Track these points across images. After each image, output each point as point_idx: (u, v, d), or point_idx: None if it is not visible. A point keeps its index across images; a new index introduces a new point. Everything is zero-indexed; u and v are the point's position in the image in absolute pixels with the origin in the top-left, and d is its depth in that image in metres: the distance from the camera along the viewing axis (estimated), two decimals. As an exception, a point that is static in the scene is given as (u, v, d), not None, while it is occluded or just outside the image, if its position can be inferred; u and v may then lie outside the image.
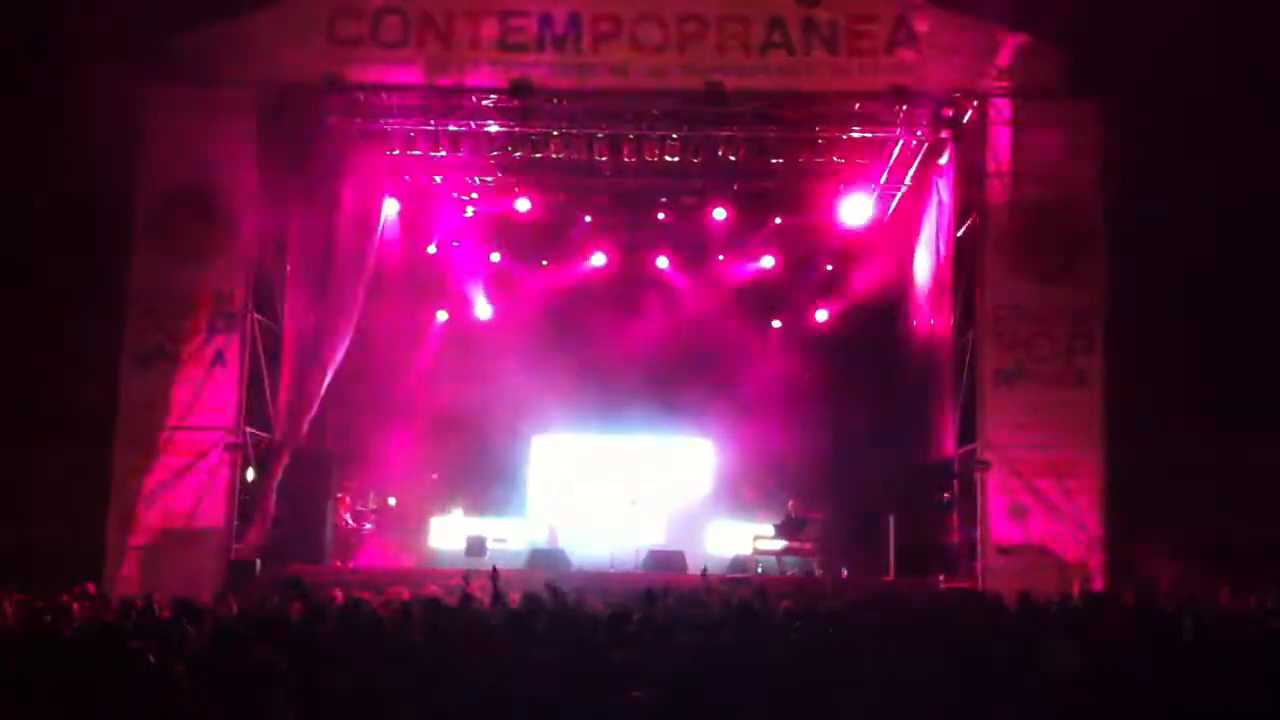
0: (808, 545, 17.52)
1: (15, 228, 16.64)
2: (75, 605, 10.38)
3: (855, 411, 20.77)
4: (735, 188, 19.45)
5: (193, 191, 15.81)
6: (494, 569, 10.92)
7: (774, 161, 17.99)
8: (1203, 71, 15.82)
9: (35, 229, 16.74)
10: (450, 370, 20.99)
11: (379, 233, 18.53)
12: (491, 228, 21.11)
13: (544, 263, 21.79)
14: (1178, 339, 16.63)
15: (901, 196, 19.48)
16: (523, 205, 19.69)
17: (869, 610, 10.34)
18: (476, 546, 17.71)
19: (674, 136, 17.44)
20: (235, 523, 15.56)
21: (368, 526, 18.91)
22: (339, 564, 17.41)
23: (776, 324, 21.99)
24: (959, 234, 16.82)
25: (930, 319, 18.46)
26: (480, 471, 20.50)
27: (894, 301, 20.76)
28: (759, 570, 17.14)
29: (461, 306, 21.92)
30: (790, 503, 18.06)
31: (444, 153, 17.89)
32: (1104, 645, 8.20)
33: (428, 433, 20.51)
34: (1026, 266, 15.73)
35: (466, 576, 11.42)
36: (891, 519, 17.00)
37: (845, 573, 17.19)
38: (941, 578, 15.76)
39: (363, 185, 18.38)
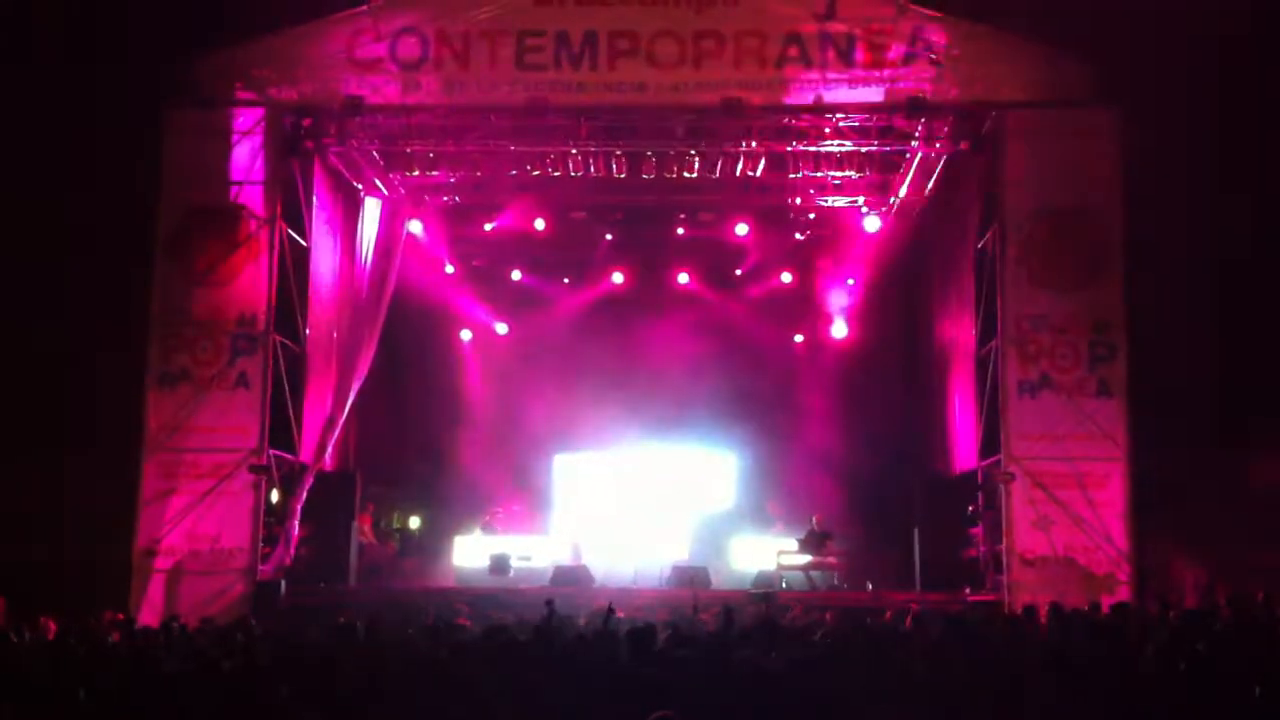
0: (832, 559, 17.45)
1: (41, 249, 16.75)
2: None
3: (879, 425, 20.77)
4: (754, 203, 19.41)
5: (213, 213, 15.92)
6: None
7: (792, 176, 17.95)
8: (1225, 79, 15.73)
9: (61, 251, 16.82)
10: (472, 389, 21.02)
11: (399, 253, 18.58)
12: (512, 246, 21.13)
13: (565, 280, 21.83)
14: (1201, 350, 16.45)
15: (922, 209, 19.40)
16: (539, 224, 19.61)
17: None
18: (500, 565, 17.67)
19: (692, 152, 17.43)
20: (260, 545, 15.58)
21: (391, 546, 18.90)
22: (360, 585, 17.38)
23: (798, 338, 21.96)
24: (980, 245, 16.76)
25: (953, 331, 18.39)
26: (503, 489, 20.44)
27: (916, 314, 20.73)
28: (783, 585, 17.05)
29: (483, 326, 22.01)
30: (814, 517, 17.98)
31: (463, 172, 17.97)
32: (1136, 658, 8.13)
33: (451, 451, 20.53)
34: (1048, 277, 15.67)
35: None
36: (916, 532, 16.92)
37: (870, 587, 17.10)
38: (967, 591, 15.67)
39: (383, 205, 18.47)
